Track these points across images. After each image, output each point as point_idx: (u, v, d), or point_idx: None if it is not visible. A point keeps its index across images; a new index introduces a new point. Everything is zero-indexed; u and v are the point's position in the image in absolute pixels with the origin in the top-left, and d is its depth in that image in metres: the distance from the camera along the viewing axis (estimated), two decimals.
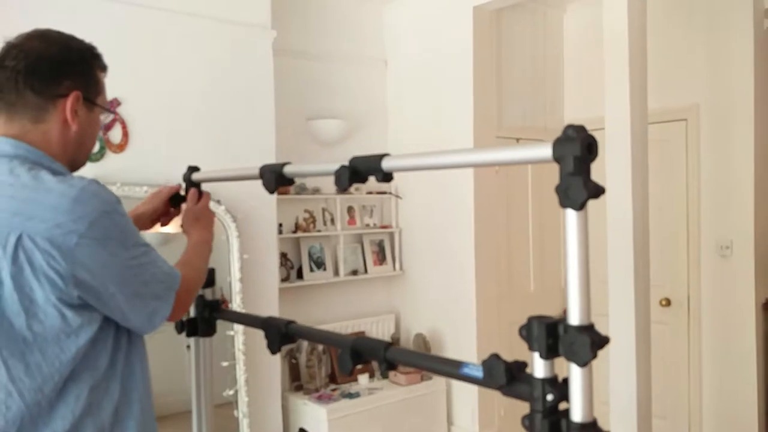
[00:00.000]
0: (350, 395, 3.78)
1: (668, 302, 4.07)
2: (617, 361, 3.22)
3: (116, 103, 3.09)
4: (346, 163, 1.28)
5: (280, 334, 1.54)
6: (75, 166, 1.30)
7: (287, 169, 1.46)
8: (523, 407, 4.07)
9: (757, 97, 3.67)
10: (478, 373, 1.08)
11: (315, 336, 1.64)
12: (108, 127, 3.08)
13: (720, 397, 3.88)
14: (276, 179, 1.47)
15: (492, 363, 1.05)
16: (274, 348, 1.56)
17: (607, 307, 3.25)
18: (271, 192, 1.49)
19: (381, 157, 1.23)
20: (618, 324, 3.20)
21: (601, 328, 0.96)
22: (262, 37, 3.56)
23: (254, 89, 3.56)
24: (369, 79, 4.44)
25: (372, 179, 1.28)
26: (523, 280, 4.40)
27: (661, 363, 3.82)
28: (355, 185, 4.24)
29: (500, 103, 4.25)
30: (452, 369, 1.13)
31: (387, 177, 1.26)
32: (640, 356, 3.21)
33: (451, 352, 3.97)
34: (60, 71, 1.22)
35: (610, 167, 3.17)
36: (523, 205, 4.43)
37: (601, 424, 0.95)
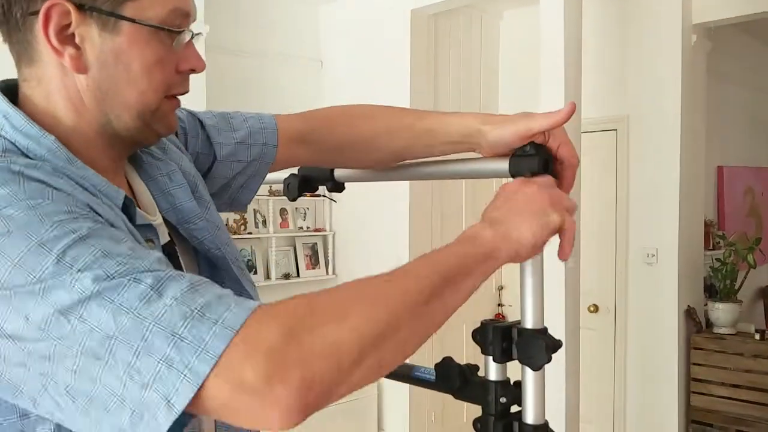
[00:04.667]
0: None
1: (596, 308, 4.17)
2: (547, 365, 3.26)
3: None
4: (295, 170, 1.23)
5: None
6: (114, 134, 0.75)
7: None
8: (453, 412, 4.11)
9: (684, 109, 3.80)
10: (431, 376, 1.05)
11: None
12: None
13: (643, 401, 3.99)
14: None
15: (445, 366, 1.03)
16: None
17: None
18: None
19: None
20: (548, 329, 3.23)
21: None
22: (193, 30, 3.44)
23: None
24: (304, 79, 4.37)
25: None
26: None
27: (588, 368, 3.89)
28: None
29: (436, 108, 4.26)
30: (404, 372, 1.09)
31: (339, 186, 1.22)
32: (569, 361, 3.26)
33: None
34: None
35: None
36: (458, 211, 4.45)
37: None
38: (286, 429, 0.55)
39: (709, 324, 3.92)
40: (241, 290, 0.89)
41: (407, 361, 1.15)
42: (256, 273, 3.98)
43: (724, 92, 4.79)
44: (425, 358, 3.75)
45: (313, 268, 4.27)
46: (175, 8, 0.73)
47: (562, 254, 0.85)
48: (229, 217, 3.93)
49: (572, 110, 0.85)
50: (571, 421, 3.28)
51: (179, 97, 0.81)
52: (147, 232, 0.77)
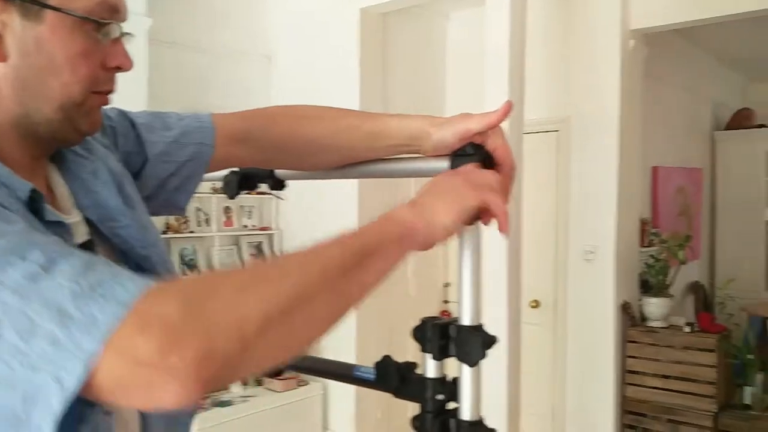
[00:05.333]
0: (222, 404, 3.64)
1: (537, 304, 4.27)
2: (489, 360, 3.32)
3: None
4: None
5: None
6: (32, 128, 0.73)
7: None
8: (399, 410, 4.13)
9: (622, 111, 3.93)
10: (371, 375, 1.07)
11: None
12: None
13: (581, 393, 4.11)
14: None
15: (384, 365, 1.05)
16: None
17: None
18: None
19: None
20: (490, 325, 3.28)
21: None
22: (135, 24, 3.37)
23: (125, 79, 3.36)
24: (252, 74, 4.33)
25: None
26: (403, 283, 4.45)
27: (529, 361, 3.99)
28: None
29: (385, 106, 4.28)
30: (345, 372, 1.11)
31: (280, 184, 1.22)
32: (511, 356, 3.34)
33: (328, 356, 3.92)
34: None
35: None
36: None
37: None
38: (185, 404, 0.52)
39: (643, 318, 4.07)
40: None
41: (348, 361, 1.17)
42: (198, 273, 3.94)
43: (659, 95, 4.96)
44: (370, 358, 3.78)
45: None
46: (102, 1, 0.72)
47: (501, 228, 0.85)
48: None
49: (507, 110, 0.89)
50: (513, 413, 3.36)
51: (110, 96, 0.80)
52: (58, 229, 0.72)
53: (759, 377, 3.59)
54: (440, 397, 0.99)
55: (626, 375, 4.00)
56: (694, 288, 5.59)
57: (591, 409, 4.07)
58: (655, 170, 5.09)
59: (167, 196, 1.00)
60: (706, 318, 3.90)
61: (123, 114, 0.96)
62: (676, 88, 5.40)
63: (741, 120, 6.18)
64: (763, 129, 6.09)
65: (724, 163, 6.24)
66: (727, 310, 3.83)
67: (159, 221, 3.83)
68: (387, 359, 1.05)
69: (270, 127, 1.02)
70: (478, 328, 0.99)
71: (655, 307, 3.96)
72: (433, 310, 4.61)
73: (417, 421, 0.99)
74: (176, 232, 3.85)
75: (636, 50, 4.08)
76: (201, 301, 0.54)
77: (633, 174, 4.16)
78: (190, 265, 3.91)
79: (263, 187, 1.26)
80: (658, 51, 4.48)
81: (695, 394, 3.74)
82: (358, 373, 1.10)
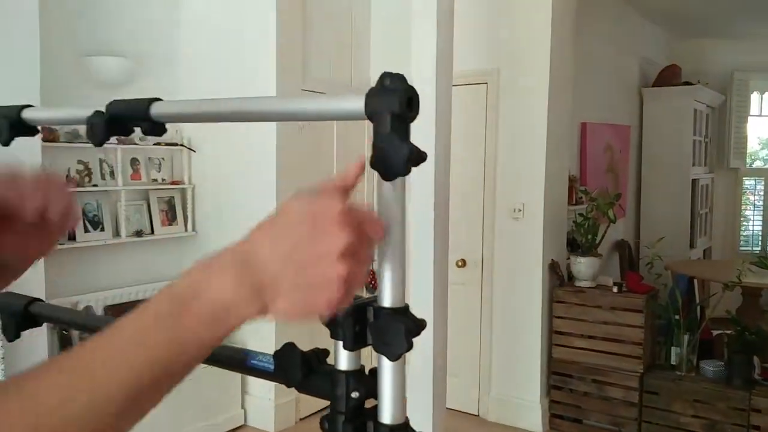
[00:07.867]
0: None
1: (464, 263, 4.16)
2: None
3: None
4: (102, 108, 0.98)
5: (18, 315, 1.20)
6: None
7: (27, 114, 1.11)
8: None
9: (553, 64, 3.79)
10: (269, 365, 0.88)
11: (67, 318, 1.32)
12: None
13: (508, 354, 4.06)
14: (11, 127, 1.12)
15: (285, 354, 0.85)
16: (10, 335, 1.22)
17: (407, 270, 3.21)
18: (5, 144, 1.14)
19: (150, 101, 0.94)
20: (416, 286, 3.16)
21: None
22: None
23: (13, 17, 2.97)
24: (159, 14, 3.95)
25: None
26: None
27: (456, 322, 3.89)
28: (140, 135, 3.84)
29: (305, 55, 4.00)
30: (238, 360, 0.91)
31: (158, 129, 0.98)
32: (437, 317, 3.21)
33: (246, 329, 3.70)
34: None
35: (414, 128, 3.08)
36: (329, 165, 4.26)
37: None
38: None
39: (571, 277, 4.01)
40: None
41: (252, 337, 0.97)
42: (103, 230, 3.61)
43: (589, 49, 4.87)
44: (272, 333, 3.55)
45: (170, 225, 3.95)
46: None
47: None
48: (72, 167, 3.52)
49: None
50: (439, 376, 3.26)
51: None
52: None
53: (685, 338, 3.58)
54: (355, 394, 0.80)
55: (553, 336, 3.95)
56: (620, 246, 5.64)
57: (518, 370, 4.02)
58: (583, 126, 5.03)
59: None
60: (634, 278, 3.87)
61: None
62: (605, 44, 5.33)
63: (668, 77, 6.19)
64: (689, 86, 6.12)
65: (652, 121, 6.26)
66: (654, 270, 3.80)
67: (59, 172, 3.47)
68: (288, 346, 0.85)
69: None
70: (401, 312, 0.78)
71: (583, 266, 3.90)
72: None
73: (327, 422, 0.80)
74: (78, 185, 3.52)
75: (567, 2, 3.94)
76: None
77: (562, 130, 4.06)
78: (94, 222, 3.58)
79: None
80: (589, 3, 4.36)
81: (622, 355, 3.71)
82: (254, 362, 0.91)
